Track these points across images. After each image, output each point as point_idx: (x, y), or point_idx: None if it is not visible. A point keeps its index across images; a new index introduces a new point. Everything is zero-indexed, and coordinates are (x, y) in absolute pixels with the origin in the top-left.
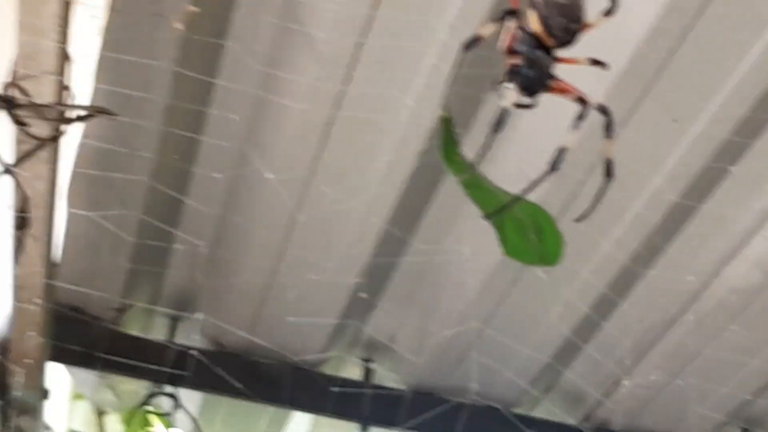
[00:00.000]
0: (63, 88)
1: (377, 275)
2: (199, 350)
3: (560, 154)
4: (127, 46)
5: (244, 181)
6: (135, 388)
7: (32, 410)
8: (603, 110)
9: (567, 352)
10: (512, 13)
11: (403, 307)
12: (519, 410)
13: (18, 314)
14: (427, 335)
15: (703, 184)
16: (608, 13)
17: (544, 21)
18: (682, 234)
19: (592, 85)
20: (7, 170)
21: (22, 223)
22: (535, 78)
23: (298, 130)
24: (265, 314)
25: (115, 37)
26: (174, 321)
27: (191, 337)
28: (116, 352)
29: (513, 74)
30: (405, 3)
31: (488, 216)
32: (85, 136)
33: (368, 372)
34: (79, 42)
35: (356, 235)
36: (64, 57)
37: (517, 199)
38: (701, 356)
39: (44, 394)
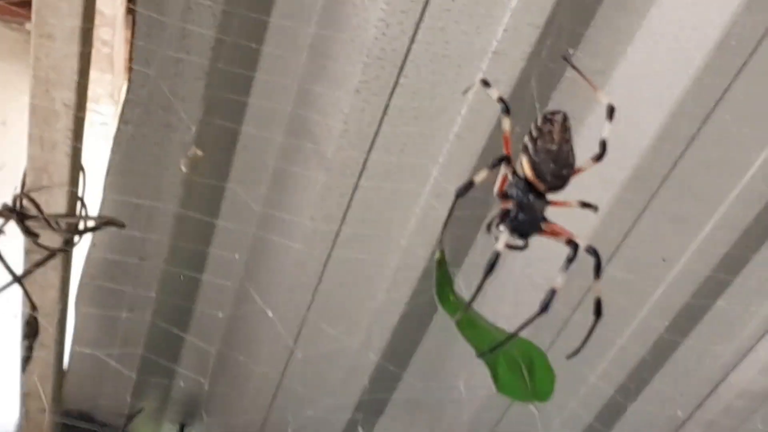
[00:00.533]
0: (74, 199)
1: (372, 409)
2: None
3: (551, 295)
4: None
5: (243, 318)
6: None
7: None
8: (592, 252)
9: None
10: (505, 159)
11: None
12: None
13: (25, 422)
14: None
15: (688, 317)
16: (598, 158)
17: (535, 167)
18: (668, 365)
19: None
20: (17, 280)
21: (30, 332)
22: (527, 221)
23: (295, 269)
24: None
25: (124, 150)
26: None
27: None
28: None
29: (506, 218)
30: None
31: (482, 355)
32: (93, 245)
33: None
34: (89, 151)
35: (351, 370)
36: (75, 169)
37: (510, 338)
38: None
39: None
